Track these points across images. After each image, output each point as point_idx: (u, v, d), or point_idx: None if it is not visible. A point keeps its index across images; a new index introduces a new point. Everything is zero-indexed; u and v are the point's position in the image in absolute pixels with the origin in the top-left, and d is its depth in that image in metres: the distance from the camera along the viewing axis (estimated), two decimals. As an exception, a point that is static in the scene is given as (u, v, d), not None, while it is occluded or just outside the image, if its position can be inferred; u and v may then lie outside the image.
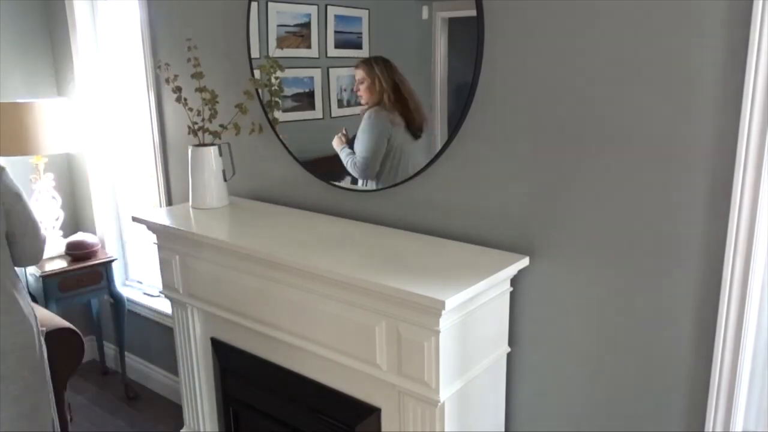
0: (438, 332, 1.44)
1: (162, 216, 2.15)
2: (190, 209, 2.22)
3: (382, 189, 1.95)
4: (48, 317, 2.30)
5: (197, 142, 2.20)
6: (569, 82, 1.53)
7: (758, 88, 1.27)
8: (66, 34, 3.03)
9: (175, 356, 2.33)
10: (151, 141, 2.77)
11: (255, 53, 2.18)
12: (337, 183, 2.07)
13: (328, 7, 1.94)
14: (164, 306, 2.93)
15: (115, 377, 3.30)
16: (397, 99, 1.83)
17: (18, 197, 1.88)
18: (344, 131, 2.00)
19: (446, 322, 1.45)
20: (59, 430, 2.08)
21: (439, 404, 1.52)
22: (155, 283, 3.14)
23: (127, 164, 3.17)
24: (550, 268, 1.66)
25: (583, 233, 1.59)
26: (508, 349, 1.76)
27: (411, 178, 1.87)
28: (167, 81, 2.25)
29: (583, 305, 1.63)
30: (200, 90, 2.17)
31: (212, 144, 2.18)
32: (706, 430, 1.49)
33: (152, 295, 3.11)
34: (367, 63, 1.87)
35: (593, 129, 1.52)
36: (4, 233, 1.86)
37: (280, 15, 2.08)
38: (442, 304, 1.37)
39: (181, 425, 2.42)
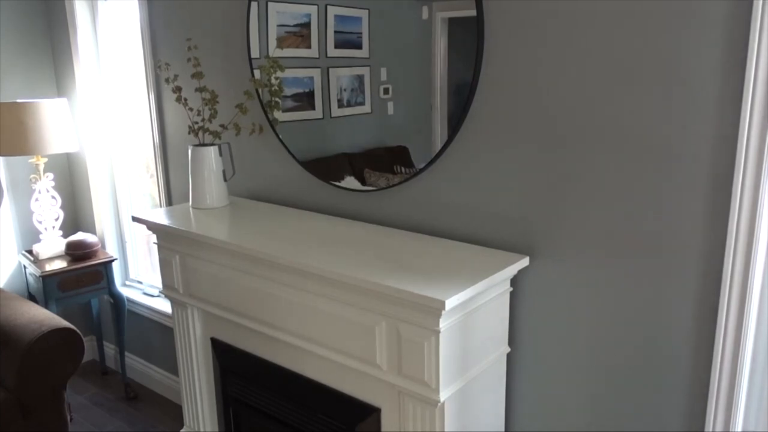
0: (438, 332, 1.44)
1: (162, 216, 2.15)
2: (190, 209, 2.22)
3: (381, 189, 1.95)
4: (48, 317, 2.30)
5: (197, 142, 2.20)
6: (569, 82, 1.53)
7: (758, 88, 1.27)
8: (66, 34, 3.04)
9: (175, 356, 2.33)
10: (151, 141, 2.77)
11: (255, 53, 2.18)
12: (336, 183, 2.07)
13: (328, 7, 1.94)
14: (164, 306, 2.93)
15: (115, 377, 3.30)
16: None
17: None
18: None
19: (446, 322, 1.45)
20: None
21: (439, 404, 1.52)
22: (155, 282, 3.14)
23: (127, 164, 3.17)
24: (550, 268, 1.66)
25: (583, 233, 1.59)
26: (508, 349, 1.76)
27: (411, 178, 1.87)
28: (167, 81, 2.25)
29: (583, 305, 1.63)
30: (200, 90, 2.17)
31: (212, 144, 2.18)
32: (706, 430, 1.49)
33: (152, 295, 3.11)
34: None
35: (593, 129, 1.52)
36: None
37: (280, 15, 2.08)
38: (442, 304, 1.37)
39: (181, 425, 2.42)
